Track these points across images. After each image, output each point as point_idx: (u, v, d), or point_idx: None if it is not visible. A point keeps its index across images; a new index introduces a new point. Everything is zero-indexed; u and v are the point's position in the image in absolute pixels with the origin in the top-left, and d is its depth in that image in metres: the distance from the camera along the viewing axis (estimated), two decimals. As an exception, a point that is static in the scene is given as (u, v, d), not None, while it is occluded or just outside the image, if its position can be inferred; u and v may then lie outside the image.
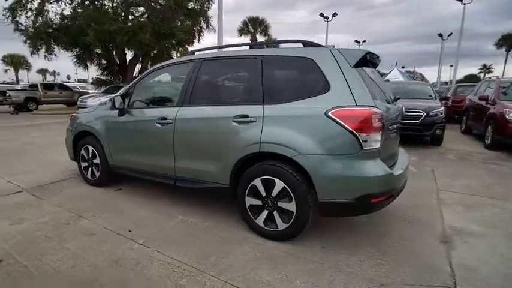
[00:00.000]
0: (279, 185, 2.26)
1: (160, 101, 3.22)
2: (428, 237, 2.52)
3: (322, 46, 2.42)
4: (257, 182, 2.36)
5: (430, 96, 7.44)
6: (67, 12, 15.10)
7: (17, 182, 3.77)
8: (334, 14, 28.34)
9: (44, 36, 14.14)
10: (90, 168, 3.69)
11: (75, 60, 17.56)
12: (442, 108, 6.42)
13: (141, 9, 17.56)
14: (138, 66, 18.40)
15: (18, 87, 22.56)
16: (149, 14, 16.22)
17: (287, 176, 2.21)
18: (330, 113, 2.05)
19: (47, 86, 17.37)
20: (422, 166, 4.88)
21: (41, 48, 15.00)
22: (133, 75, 18.56)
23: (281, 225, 2.33)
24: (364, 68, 2.39)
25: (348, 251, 2.27)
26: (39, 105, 16.24)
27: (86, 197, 3.35)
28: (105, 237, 2.44)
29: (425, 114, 6.19)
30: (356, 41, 42.03)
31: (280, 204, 2.30)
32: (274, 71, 2.42)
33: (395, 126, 2.46)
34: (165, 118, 2.81)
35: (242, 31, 39.89)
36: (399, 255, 2.22)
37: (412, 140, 6.85)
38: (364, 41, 43.21)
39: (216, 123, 2.53)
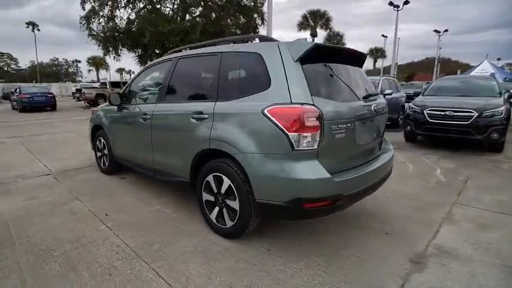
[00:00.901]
0: (226, 182, 2.32)
1: (147, 98, 3.56)
2: (399, 255, 2.26)
3: (275, 40, 2.38)
4: (210, 178, 2.47)
5: (497, 93, 6.35)
6: (132, 16, 17.18)
7: (50, 167, 4.59)
8: (406, 2, 25.80)
9: (111, 40, 16.37)
10: (102, 158, 4.27)
11: (137, 60, 19.88)
12: (503, 107, 5.43)
13: (199, 9, 18.93)
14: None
15: (96, 85, 26.35)
16: (202, 13, 17.37)
17: (232, 174, 2.26)
18: (265, 111, 2.03)
19: (114, 84, 19.97)
20: (456, 175, 4.26)
21: (110, 51, 17.38)
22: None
23: (228, 223, 2.39)
24: (329, 63, 2.32)
25: (292, 256, 2.21)
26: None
27: (92, 182, 3.91)
28: (84, 217, 2.85)
29: (476, 114, 5.33)
30: (435, 30, 37.68)
31: (227, 201, 2.37)
32: (228, 68, 2.47)
33: (356, 125, 2.25)
34: (145, 114, 3.12)
35: (301, 25, 39.44)
36: (346, 270, 2.07)
37: (466, 145, 5.98)
38: (446, 30, 38.47)
39: (180, 119, 2.72)
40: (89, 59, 65.92)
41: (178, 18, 17.46)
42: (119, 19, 17.26)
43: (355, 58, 2.69)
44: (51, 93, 14.97)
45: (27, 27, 51.17)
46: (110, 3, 16.36)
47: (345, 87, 2.37)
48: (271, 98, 2.07)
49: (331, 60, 2.36)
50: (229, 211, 2.37)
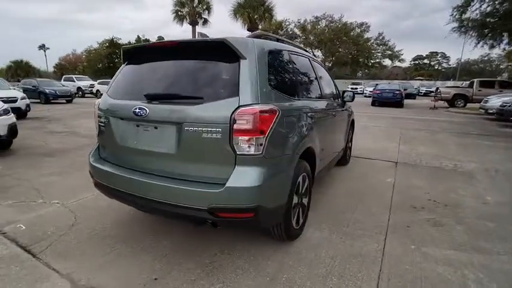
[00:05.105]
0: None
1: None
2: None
3: None
4: None
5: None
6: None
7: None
8: None
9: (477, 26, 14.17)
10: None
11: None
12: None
13: None
14: None
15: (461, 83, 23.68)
16: None
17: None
18: None
19: (485, 83, 16.95)
20: None
21: (480, 40, 15.16)
22: None
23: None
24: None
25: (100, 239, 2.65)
26: (468, 103, 16.72)
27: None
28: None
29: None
30: None
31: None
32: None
33: (115, 123, 2.26)
34: None
35: None
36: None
37: None
38: None
39: None
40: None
41: None
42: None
43: (196, 50, 2.16)
44: (399, 90, 16.50)
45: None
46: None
47: (134, 85, 2.31)
48: None
49: (155, 59, 2.31)
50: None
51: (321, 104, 3.12)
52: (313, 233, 2.64)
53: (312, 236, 2.58)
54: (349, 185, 3.93)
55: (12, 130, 4.87)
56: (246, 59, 1.92)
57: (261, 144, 1.82)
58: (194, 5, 29.72)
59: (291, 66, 2.53)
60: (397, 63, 40.97)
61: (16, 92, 9.03)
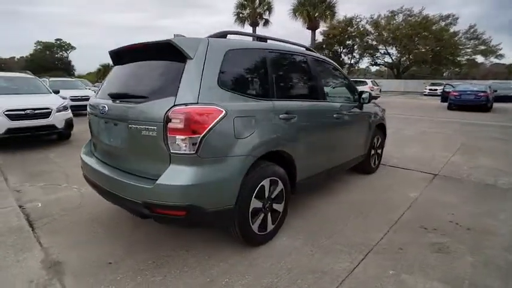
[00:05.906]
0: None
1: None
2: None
3: None
4: None
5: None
6: None
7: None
8: None
9: None
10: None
11: None
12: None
13: None
14: None
15: None
16: None
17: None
18: None
19: None
20: None
21: None
22: None
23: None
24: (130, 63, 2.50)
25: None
26: None
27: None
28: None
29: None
30: None
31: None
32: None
33: (93, 120, 2.57)
34: None
35: None
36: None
37: None
38: None
39: None
40: None
41: None
42: None
43: (152, 52, 2.28)
44: (484, 92, 14.12)
45: None
46: None
47: (109, 85, 2.55)
48: None
49: (128, 60, 2.47)
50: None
51: (314, 106, 2.95)
52: (286, 241, 2.53)
53: (282, 244, 2.48)
54: (362, 195, 3.61)
55: (68, 124, 5.79)
56: (192, 58, 1.96)
57: (195, 144, 1.84)
58: (255, 6, 30.28)
59: (264, 66, 2.46)
60: (495, 60, 35.07)
61: (89, 92, 10.66)
